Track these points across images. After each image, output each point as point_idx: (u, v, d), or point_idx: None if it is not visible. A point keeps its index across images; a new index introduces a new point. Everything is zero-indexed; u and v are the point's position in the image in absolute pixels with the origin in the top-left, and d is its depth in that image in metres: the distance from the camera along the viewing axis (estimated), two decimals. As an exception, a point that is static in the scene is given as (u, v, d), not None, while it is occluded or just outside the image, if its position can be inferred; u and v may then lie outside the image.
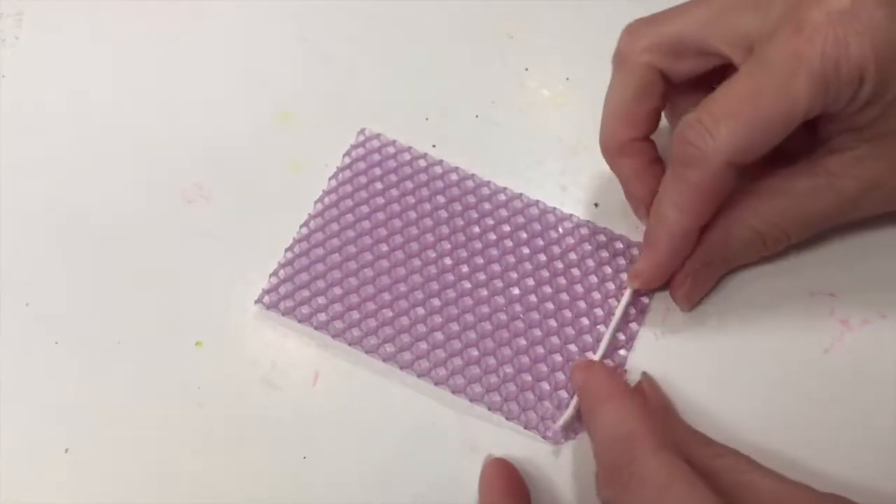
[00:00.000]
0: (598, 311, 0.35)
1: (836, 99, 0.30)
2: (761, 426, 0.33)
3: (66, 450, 0.33)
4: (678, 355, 0.35)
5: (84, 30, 0.43)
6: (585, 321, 0.35)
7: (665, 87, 0.34)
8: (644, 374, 0.34)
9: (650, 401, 0.32)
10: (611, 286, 0.36)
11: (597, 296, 0.35)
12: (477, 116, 0.40)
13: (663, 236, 0.33)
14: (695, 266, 0.34)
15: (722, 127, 0.30)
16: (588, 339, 0.34)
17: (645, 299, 0.35)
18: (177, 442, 0.33)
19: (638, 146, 0.34)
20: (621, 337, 0.35)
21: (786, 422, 0.33)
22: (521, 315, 0.35)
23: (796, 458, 0.32)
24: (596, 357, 0.34)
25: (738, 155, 0.30)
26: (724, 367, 0.34)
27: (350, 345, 0.34)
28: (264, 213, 0.38)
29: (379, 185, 0.38)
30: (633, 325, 0.35)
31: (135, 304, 0.36)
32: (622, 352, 0.34)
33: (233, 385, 0.34)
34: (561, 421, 0.33)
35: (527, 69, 0.41)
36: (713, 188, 0.31)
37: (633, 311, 0.35)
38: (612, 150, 0.35)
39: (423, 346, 0.34)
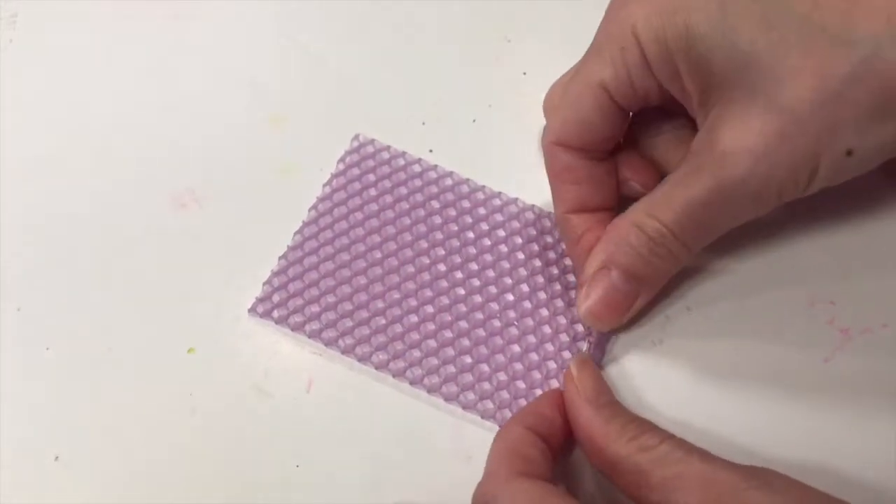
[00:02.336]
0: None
1: (635, 73, 0.31)
2: (760, 435, 0.33)
3: (57, 457, 0.33)
4: (675, 364, 0.34)
5: (77, 33, 0.42)
6: (580, 328, 0.34)
7: None
8: (575, 357, 0.32)
9: (580, 391, 0.30)
10: (607, 293, 0.35)
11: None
12: (474, 121, 0.40)
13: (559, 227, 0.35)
14: (588, 270, 0.32)
15: (552, 114, 0.34)
16: (583, 346, 0.34)
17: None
18: (168, 449, 0.33)
19: None
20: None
21: (784, 431, 0.33)
22: (516, 322, 0.35)
23: (794, 468, 0.32)
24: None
25: (562, 135, 0.33)
26: (722, 374, 0.34)
27: (343, 353, 0.34)
28: (257, 217, 0.38)
29: (373, 192, 0.37)
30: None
31: (126, 310, 0.36)
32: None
33: (225, 392, 0.34)
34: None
35: (525, 73, 0.41)
36: (554, 169, 0.34)
37: None
38: None
39: (416, 353, 0.34)
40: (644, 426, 0.29)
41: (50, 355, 0.35)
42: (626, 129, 0.34)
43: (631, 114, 0.34)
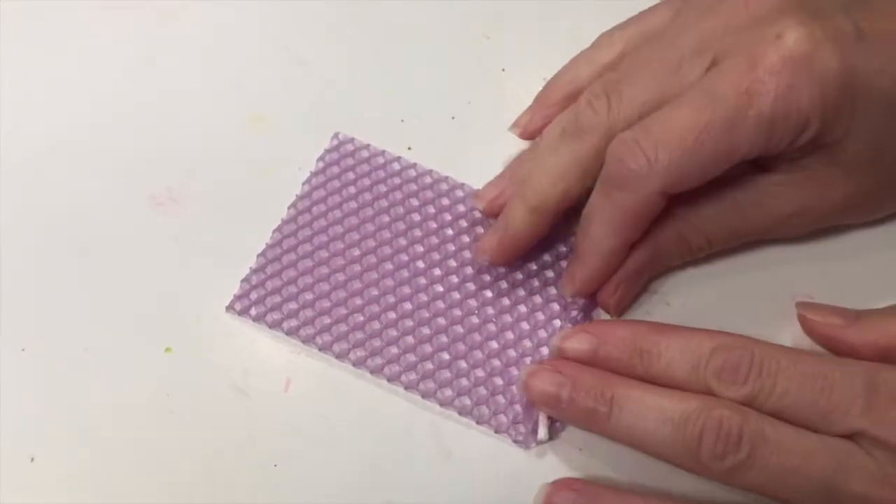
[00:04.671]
0: (574, 313, 0.34)
1: (778, 143, 0.30)
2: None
3: (32, 459, 0.33)
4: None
5: (55, 33, 0.42)
6: (558, 323, 0.34)
7: None
8: (557, 336, 0.32)
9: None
10: (585, 288, 0.35)
11: (570, 297, 0.35)
12: (453, 118, 0.40)
13: (592, 253, 0.32)
14: (627, 275, 0.33)
15: (661, 154, 0.29)
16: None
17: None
18: (145, 450, 0.33)
19: None
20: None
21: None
22: (494, 318, 0.34)
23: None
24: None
25: (672, 185, 0.30)
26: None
27: (320, 350, 0.34)
28: (236, 216, 0.37)
29: (352, 189, 0.37)
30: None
31: (103, 310, 0.35)
32: None
33: (203, 392, 0.34)
34: (532, 424, 0.32)
35: (503, 70, 0.41)
36: (643, 214, 0.31)
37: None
38: None
39: (394, 350, 0.34)
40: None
41: (25, 356, 0.35)
42: None
43: None
